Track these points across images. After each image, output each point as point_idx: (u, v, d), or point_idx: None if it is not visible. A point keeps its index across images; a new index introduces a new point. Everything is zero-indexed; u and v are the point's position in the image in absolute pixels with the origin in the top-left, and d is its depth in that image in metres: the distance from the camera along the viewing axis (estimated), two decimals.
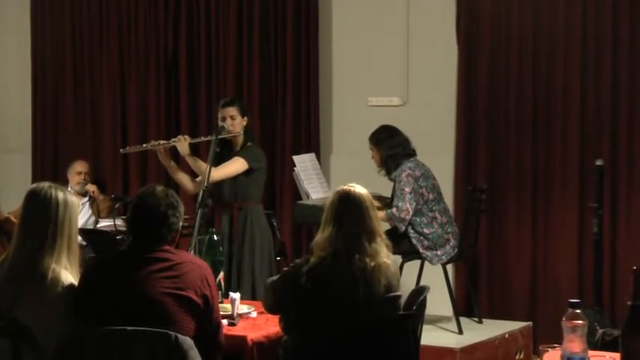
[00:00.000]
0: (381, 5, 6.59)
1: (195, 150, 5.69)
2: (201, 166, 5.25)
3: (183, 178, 5.42)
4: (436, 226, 5.56)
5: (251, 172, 5.37)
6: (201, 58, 7.13)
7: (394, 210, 5.52)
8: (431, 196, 5.57)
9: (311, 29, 6.72)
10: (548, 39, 6.05)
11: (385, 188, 5.85)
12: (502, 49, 6.18)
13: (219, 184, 5.36)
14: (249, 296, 5.15)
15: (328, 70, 6.80)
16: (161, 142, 5.48)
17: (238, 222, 5.40)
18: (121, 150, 6.09)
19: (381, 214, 5.48)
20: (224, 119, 5.38)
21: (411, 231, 5.54)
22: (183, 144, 5.34)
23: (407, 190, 5.51)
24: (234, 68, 6.98)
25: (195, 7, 7.14)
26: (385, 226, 4.29)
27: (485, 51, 6.23)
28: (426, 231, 5.54)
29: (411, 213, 5.50)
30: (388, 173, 5.65)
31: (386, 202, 5.69)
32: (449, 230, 5.61)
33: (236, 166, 5.32)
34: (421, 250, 5.54)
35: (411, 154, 5.64)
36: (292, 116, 6.77)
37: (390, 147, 5.62)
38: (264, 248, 5.41)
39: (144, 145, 5.69)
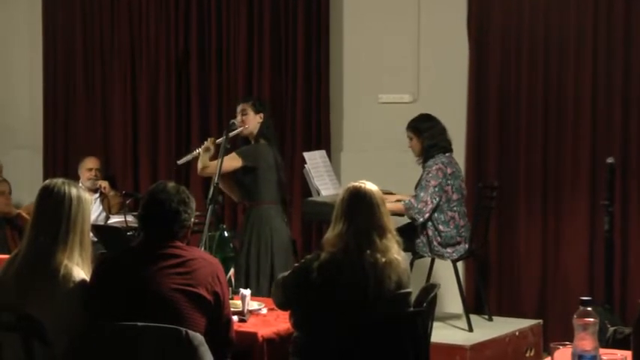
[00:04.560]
0: (392, 2, 6.59)
1: None
2: (211, 163, 5.26)
3: (229, 188, 5.42)
4: (452, 227, 5.56)
5: (252, 171, 5.34)
6: (211, 54, 7.14)
7: (412, 199, 5.51)
8: (455, 197, 5.57)
9: (322, 26, 6.72)
10: (560, 37, 6.04)
11: (396, 185, 5.86)
12: (513, 47, 6.17)
13: (230, 183, 5.38)
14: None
15: (339, 67, 6.79)
16: (198, 150, 5.44)
17: (244, 222, 5.42)
18: (178, 162, 5.92)
19: (399, 205, 5.49)
20: (238, 115, 5.43)
21: (429, 223, 5.53)
22: (208, 143, 5.36)
23: (433, 182, 5.50)
24: (244, 65, 6.98)
25: (206, 4, 7.14)
26: (396, 224, 4.28)
27: (496, 48, 6.22)
28: (441, 228, 5.54)
29: (429, 206, 5.48)
30: (424, 162, 5.62)
31: (399, 200, 5.68)
32: (463, 234, 5.60)
33: (228, 161, 5.20)
34: (435, 243, 5.53)
35: (447, 147, 5.63)
36: (303, 113, 6.77)
37: (431, 136, 5.60)
38: (262, 251, 5.35)
39: (190, 156, 5.57)
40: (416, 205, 5.49)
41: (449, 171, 5.55)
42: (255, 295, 4.74)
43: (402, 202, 5.53)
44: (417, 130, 5.65)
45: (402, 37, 6.53)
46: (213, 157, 5.33)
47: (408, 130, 5.69)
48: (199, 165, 5.35)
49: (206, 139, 5.49)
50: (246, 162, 5.32)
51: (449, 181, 5.55)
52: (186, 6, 7.22)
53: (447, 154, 5.61)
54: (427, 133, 5.61)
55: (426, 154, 5.61)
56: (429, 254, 5.62)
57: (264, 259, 5.35)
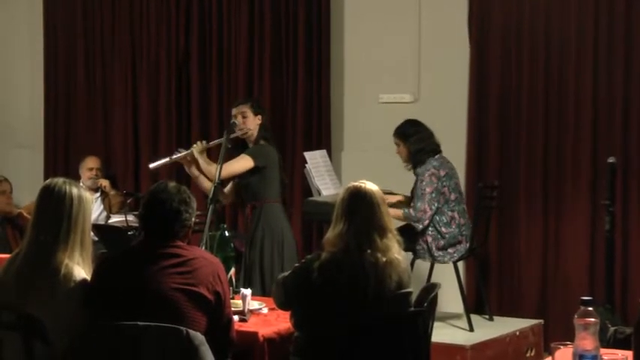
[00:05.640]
0: (393, 2, 6.59)
1: (207, 151, 5.68)
2: (211, 167, 5.26)
3: (210, 187, 5.41)
4: (454, 227, 5.56)
5: (258, 171, 5.36)
6: (212, 55, 7.14)
7: (411, 210, 5.52)
8: (452, 197, 5.57)
9: (322, 26, 6.72)
10: (560, 36, 6.04)
11: (396, 185, 5.85)
12: (514, 47, 6.16)
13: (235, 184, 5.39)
14: (260, 295, 5.15)
15: (340, 67, 6.80)
16: (182, 151, 5.44)
17: (252, 221, 5.42)
18: (150, 166, 5.93)
19: (398, 212, 5.49)
20: (236, 117, 5.41)
21: (430, 229, 5.53)
22: (199, 146, 5.35)
23: (428, 190, 5.50)
24: (245, 65, 6.98)
25: (207, 5, 7.15)
26: (398, 223, 4.28)
27: (496, 48, 6.22)
28: (443, 230, 5.54)
29: (428, 213, 5.49)
30: (414, 168, 5.63)
31: (400, 201, 5.70)
32: (464, 232, 5.61)
33: (240, 163, 5.31)
34: (434, 249, 5.54)
35: (436, 149, 5.63)
36: (304, 113, 6.78)
37: (418, 141, 5.60)
38: (275, 249, 5.37)
39: (168, 159, 5.58)
40: (414, 215, 5.50)
41: (442, 173, 5.55)
42: (268, 291, 4.75)
43: (402, 211, 5.53)
44: (403, 135, 5.65)
45: (403, 37, 6.53)
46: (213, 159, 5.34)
47: (395, 136, 5.70)
48: (204, 168, 5.34)
49: (195, 143, 5.47)
50: (257, 162, 5.34)
51: (444, 183, 5.55)
52: (187, 6, 7.22)
53: (436, 156, 5.61)
54: (413, 138, 5.61)
55: (414, 160, 5.61)
56: (430, 260, 5.63)
57: (278, 257, 5.38)
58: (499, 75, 6.21)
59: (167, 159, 5.53)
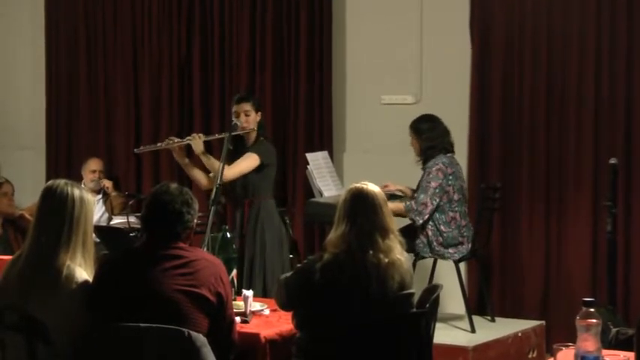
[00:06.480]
0: (395, 3, 6.59)
1: (208, 147, 5.70)
2: (214, 164, 5.26)
3: (198, 175, 5.45)
4: (453, 227, 5.56)
5: (262, 168, 5.39)
6: (214, 56, 7.14)
7: (413, 202, 5.53)
8: (456, 197, 5.58)
9: (324, 26, 6.73)
10: (563, 37, 6.04)
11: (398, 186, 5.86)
12: (515, 48, 6.16)
13: (231, 180, 5.39)
14: (261, 292, 5.16)
15: (342, 68, 6.80)
16: (175, 139, 5.49)
17: (250, 217, 5.42)
18: (135, 150, 6.06)
19: (400, 205, 5.51)
20: (238, 115, 5.41)
21: (430, 224, 5.54)
22: (197, 142, 5.36)
23: (433, 184, 5.51)
24: (247, 66, 6.99)
25: (209, 6, 7.15)
26: (399, 224, 4.28)
27: (498, 49, 6.22)
28: (442, 228, 5.54)
29: (429, 207, 5.50)
30: (424, 163, 5.65)
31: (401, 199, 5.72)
32: (465, 234, 5.61)
33: (248, 162, 5.34)
34: (435, 244, 5.54)
35: (448, 148, 5.65)
36: (305, 114, 6.78)
37: (430, 138, 5.62)
38: (276, 243, 5.41)
39: (158, 145, 5.70)
40: (415, 208, 5.51)
41: (449, 171, 5.57)
42: (270, 285, 4.76)
43: (403, 204, 5.55)
44: (416, 130, 5.69)
45: (405, 38, 6.54)
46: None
47: (409, 129, 5.74)
48: (208, 166, 5.35)
49: (191, 136, 5.50)
50: (263, 160, 5.37)
51: (450, 182, 5.56)
52: (188, 7, 7.22)
53: (447, 155, 5.62)
54: (425, 135, 5.63)
55: (424, 156, 5.64)
56: (430, 255, 5.63)
57: (278, 251, 5.42)
58: (501, 76, 6.21)
59: (157, 144, 5.60)
